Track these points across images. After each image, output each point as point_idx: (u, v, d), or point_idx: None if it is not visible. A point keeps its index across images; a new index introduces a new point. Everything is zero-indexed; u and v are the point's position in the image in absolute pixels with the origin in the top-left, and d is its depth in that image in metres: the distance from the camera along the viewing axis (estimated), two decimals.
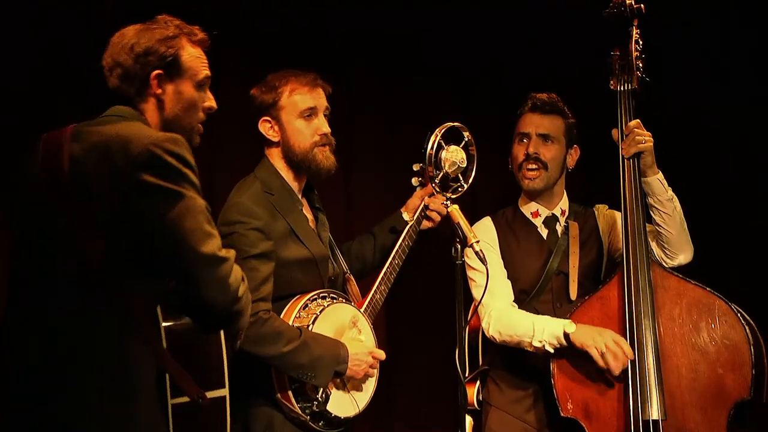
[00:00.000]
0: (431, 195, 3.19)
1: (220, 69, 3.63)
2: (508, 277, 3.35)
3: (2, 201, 3.27)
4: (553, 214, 3.40)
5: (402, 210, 3.25)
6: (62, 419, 2.09)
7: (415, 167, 3.23)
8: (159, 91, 2.27)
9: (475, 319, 3.37)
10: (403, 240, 3.15)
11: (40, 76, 3.39)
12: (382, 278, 3.10)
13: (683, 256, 3.25)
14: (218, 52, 3.67)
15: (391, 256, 3.12)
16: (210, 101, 2.38)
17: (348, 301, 3.02)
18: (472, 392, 3.33)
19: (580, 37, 3.95)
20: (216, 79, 3.43)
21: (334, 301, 2.94)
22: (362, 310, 3.03)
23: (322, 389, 2.81)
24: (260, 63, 3.76)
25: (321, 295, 2.92)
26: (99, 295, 2.10)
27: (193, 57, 2.34)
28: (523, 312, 3.25)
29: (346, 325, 2.94)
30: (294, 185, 3.01)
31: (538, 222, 3.40)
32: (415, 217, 3.18)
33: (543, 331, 3.12)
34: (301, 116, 2.96)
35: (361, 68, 4.01)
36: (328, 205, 3.86)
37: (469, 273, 3.31)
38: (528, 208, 3.42)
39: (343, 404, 2.89)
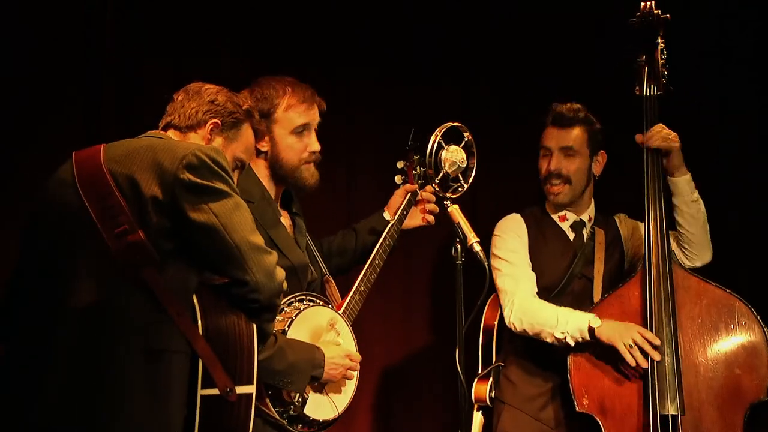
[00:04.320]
0: (415, 193, 3.18)
1: (218, 72, 3.66)
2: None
3: (2, 201, 3.30)
4: (580, 219, 3.42)
5: (384, 209, 3.24)
6: (96, 412, 2.12)
7: (399, 165, 3.23)
8: (209, 136, 2.43)
9: (489, 317, 3.38)
10: (384, 240, 3.12)
11: (39, 76, 3.39)
12: (362, 279, 3.06)
13: (703, 257, 3.30)
14: (217, 54, 3.70)
15: (371, 256, 3.10)
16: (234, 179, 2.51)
17: (326, 303, 2.99)
18: (485, 389, 3.34)
19: (582, 36, 3.95)
20: (213, 80, 3.45)
21: (311, 304, 2.90)
22: (341, 312, 2.99)
23: (298, 394, 2.78)
24: (258, 64, 3.76)
25: (298, 298, 2.88)
26: (134, 279, 2.16)
27: (248, 137, 2.54)
28: (547, 303, 3.26)
29: (323, 327, 2.90)
30: (274, 193, 3.00)
31: (565, 226, 3.42)
32: (396, 216, 3.16)
33: (567, 322, 3.13)
34: (294, 133, 2.95)
35: (361, 68, 4.01)
36: (329, 205, 3.87)
37: (494, 262, 3.32)
38: (556, 214, 3.45)
39: (322, 407, 2.86)
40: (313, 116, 2.98)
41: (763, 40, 4.01)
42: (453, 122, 3.10)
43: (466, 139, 3.12)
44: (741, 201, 3.99)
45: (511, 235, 3.37)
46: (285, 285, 2.34)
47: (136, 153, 2.25)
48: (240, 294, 2.25)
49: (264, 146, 2.96)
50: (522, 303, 3.24)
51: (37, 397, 2.15)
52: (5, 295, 2.32)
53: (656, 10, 3.20)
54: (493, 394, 3.34)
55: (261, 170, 2.98)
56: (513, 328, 3.25)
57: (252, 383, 2.28)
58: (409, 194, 3.20)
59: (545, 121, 3.40)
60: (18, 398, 2.17)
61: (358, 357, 2.94)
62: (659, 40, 3.23)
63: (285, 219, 3.04)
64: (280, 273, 2.31)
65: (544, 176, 3.38)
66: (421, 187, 3.19)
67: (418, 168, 3.19)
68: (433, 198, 3.19)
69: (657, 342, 3.05)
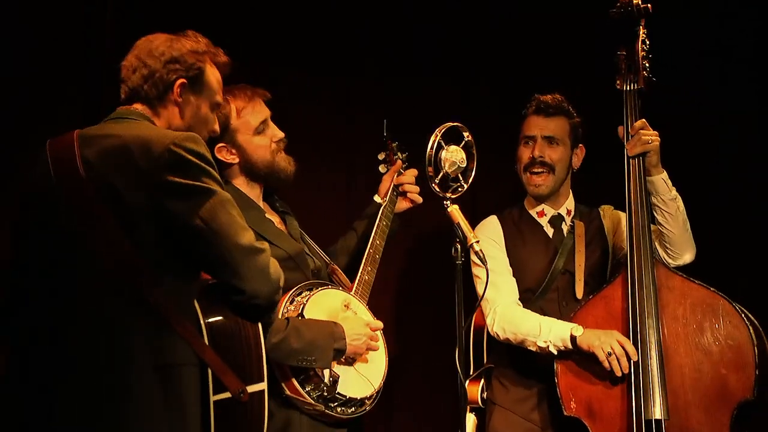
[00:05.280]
0: (399, 174, 3.30)
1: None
2: (514, 276, 3.37)
3: (2, 201, 3.30)
4: (558, 213, 3.42)
5: (375, 195, 3.35)
6: (111, 426, 2.10)
7: (380, 156, 3.36)
8: (180, 99, 2.33)
9: (480, 317, 3.38)
10: (380, 221, 3.22)
11: (39, 76, 3.39)
12: (367, 259, 3.14)
13: (685, 256, 3.27)
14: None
15: (371, 237, 3.18)
16: (215, 125, 2.44)
17: (336, 287, 3.04)
18: (476, 390, 3.35)
19: (581, 35, 3.95)
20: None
21: (321, 288, 2.94)
22: (352, 292, 3.04)
23: (328, 373, 2.80)
24: (258, 64, 3.76)
25: (307, 287, 2.92)
26: (132, 295, 2.12)
27: (215, 79, 2.40)
28: (529, 311, 3.26)
29: (338, 308, 2.94)
30: (252, 194, 3.01)
31: (543, 221, 3.42)
32: (387, 198, 3.27)
33: (549, 331, 3.13)
34: (256, 132, 2.96)
35: (362, 67, 4.01)
36: (329, 205, 3.87)
37: (474, 270, 3.32)
38: (534, 209, 3.45)
39: (355, 384, 2.88)
40: (265, 110, 3.00)
41: (763, 39, 4.01)
42: (453, 122, 3.11)
43: (466, 139, 3.12)
44: (741, 201, 3.99)
45: (486, 240, 3.36)
46: (282, 280, 2.30)
47: (111, 154, 2.18)
48: (239, 302, 2.22)
49: (233, 158, 2.97)
50: (504, 312, 3.25)
51: (48, 413, 2.12)
52: (6, 294, 2.29)
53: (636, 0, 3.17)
54: (485, 396, 3.35)
55: (234, 178, 3.00)
56: (497, 337, 3.27)
57: (263, 380, 2.27)
58: (396, 174, 3.31)
59: (526, 111, 3.41)
60: (27, 406, 2.15)
61: (378, 324, 2.97)
62: (640, 31, 3.20)
63: (273, 216, 3.07)
64: (275, 268, 2.27)
65: (526, 164, 3.37)
66: (405, 170, 3.32)
67: (398, 153, 3.34)
68: (412, 179, 3.30)
69: (635, 355, 3.03)
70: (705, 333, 3.06)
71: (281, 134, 3.01)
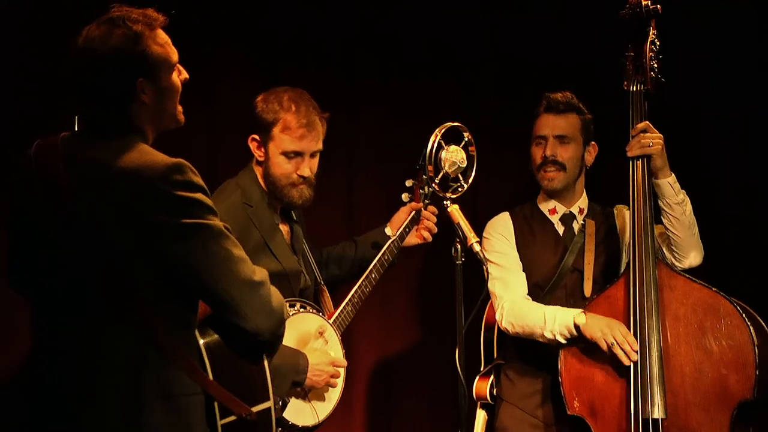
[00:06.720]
0: (419, 211, 3.24)
1: (220, 67, 3.66)
2: (523, 271, 3.38)
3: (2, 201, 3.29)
4: (570, 211, 3.42)
5: (387, 225, 3.30)
6: None
7: (408, 183, 3.25)
8: (144, 96, 2.17)
9: (491, 315, 3.40)
10: (382, 255, 3.19)
11: (39, 76, 3.38)
12: (356, 291, 3.12)
13: (692, 259, 3.28)
14: (216, 53, 3.70)
15: (368, 269, 3.16)
16: (183, 73, 2.26)
17: (317, 311, 3.03)
18: (486, 386, 3.38)
19: (586, 34, 3.94)
20: (215, 77, 3.44)
21: (302, 310, 2.94)
22: (331, 321, 3.03)
23: (279, 397, 2.79)
24: (260, 61, 3.76)
25: (289, 303, 2.89)
26: (133, 328, 2.06)
27: (161, 46, 2.19)
28: (535, 303, 3.28)
29: (311, 334, 2.95)
30: (273, 199, 3.03)
31: (555, 219, 3.43)
32: (398, 233, 3.23)
33: (554, 321, 3.15)
34: (285, 155, 2.97)
35: (363, 66, 4.01)
36: (329, 204, 3.86)
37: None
38: (546, 206, 3.45)
39: (302, 413, 2.90)
40: (308, 145, 2.99)
41: (763, 38, 4.01)
42: (453, 122, 3.11)
43: (466, 139, 3.13)
44: (740, 201, 3.98)
45: (497, 237, 3.40)
46: (286, 310, 2.21)
47: (101, 185, 2.07)
48: (244, 342, 2.15)
49: (260, 156, 3.00)
50: (512, 306, 3.27)
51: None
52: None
53: (645, 0, 3.16)
54: (495, 392, 3.38)
55: (261, 177, 3.02)
56: (507, 332, 3.29)
57: (269, 398, 2.23)
58: (413, 212, 3.25)
59: (538, 110, 3.40)
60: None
61: (343, 363, 2.97)
62: (650, 32, 3.19)
63: (283, 226, 3.08)
64: (277, 300, 2.16)
65: (539, 163, 3.37)
66: (425, 207, 3.24)
67: (425, 188, 3.20)
68: (434, 218, 3.25)
69: (635, 354, 3.04)
70: (706, 333, 3.06)
71: (306, 173, 2.99)
